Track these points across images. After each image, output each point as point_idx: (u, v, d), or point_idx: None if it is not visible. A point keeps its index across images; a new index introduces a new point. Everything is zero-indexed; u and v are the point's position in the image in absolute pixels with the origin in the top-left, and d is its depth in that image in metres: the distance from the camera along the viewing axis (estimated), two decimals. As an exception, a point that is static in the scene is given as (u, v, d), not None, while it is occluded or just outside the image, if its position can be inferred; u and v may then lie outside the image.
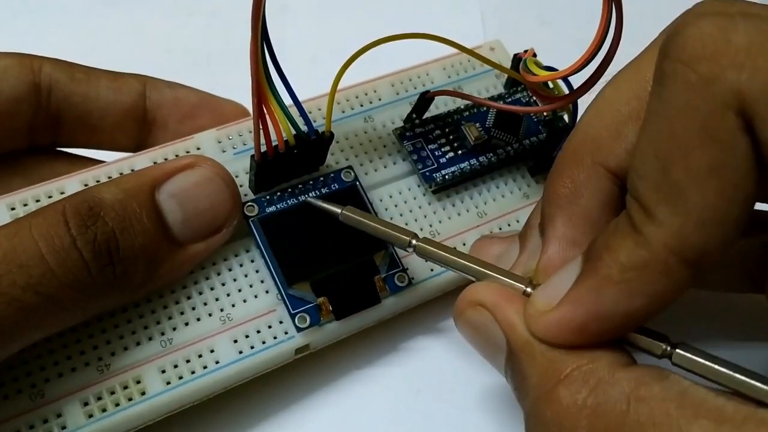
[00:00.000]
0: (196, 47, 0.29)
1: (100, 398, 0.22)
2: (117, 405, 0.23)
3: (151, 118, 0.27)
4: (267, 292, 0.25)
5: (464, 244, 0.27)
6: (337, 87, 0.25)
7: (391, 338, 0.27)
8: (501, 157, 0.28)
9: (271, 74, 0.23)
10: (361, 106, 0.28)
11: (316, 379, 0.27)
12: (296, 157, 0.25)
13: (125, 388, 0.23)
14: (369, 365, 0.27)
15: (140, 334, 0.23)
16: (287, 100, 0.24)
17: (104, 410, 0.22)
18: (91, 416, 0.22)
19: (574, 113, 0.26)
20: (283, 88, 0.24)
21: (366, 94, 0.29)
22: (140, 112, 0.27)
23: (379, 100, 0.29)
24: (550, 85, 0.27)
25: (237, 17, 0.25)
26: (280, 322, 0.24)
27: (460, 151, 0.28)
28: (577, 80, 0.24)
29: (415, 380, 0.27)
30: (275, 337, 0.24)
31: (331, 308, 0.24)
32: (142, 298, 0.23)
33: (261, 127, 0.24)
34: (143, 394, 0.23)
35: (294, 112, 0.24)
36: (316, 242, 0.25)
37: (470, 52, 0.26)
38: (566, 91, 0.25)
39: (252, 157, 0.25)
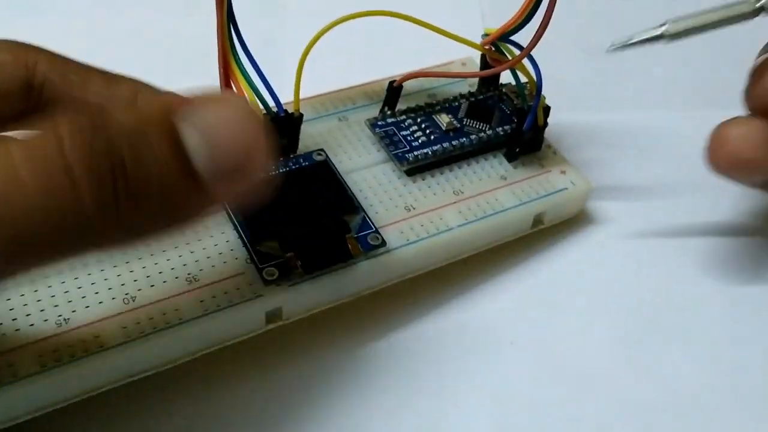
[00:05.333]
0: (195, 47, 0.30)
1: (55, 351, 0.21)
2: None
3: None
4: (236, 259, 0.24)
5: (441, 219, 0.26)
6: (303, 64, 0.26)
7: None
8: (474, 142, 0.28)
9: (238, 52, 0.25)
10: (335, 108, 0.29)
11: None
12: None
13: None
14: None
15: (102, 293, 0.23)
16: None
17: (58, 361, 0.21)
18: (44, 366, 0.21)
19: (538, 79, 0.27)
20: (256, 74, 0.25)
21: (340, 100, 0.30)
22: None
23: (353, 103, 0.29)
24: (508, 56, 0.27)
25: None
26: (250, 285, 0.23)
27: (432, 137, 0.28)
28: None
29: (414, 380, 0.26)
30: (243, 296, 0.23)
31: (299, 263, 0.23)
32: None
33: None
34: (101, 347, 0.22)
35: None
36: (287, 209, 0.25)
37: (444, 32, 0.27)
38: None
39: (221, 131, 0.25)
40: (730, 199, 0.31)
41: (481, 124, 0.29)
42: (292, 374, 0.25)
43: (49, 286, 0.23)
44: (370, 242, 0.25)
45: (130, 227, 0.18)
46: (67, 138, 0.17)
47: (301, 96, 0.26)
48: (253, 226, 0.24)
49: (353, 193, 0.26)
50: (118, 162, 0.17)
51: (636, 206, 0.31)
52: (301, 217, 0.25)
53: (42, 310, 0.22)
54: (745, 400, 0.26)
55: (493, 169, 0.28)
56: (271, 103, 0.25)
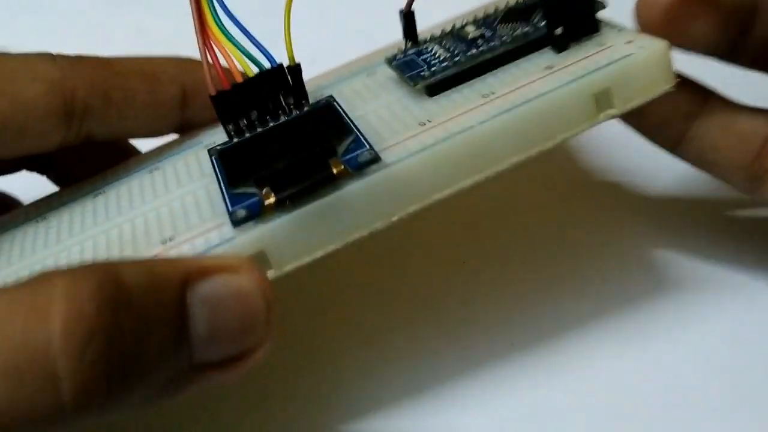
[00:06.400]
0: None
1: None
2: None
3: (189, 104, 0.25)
4: (215, 211, 0.21)
5: (462, 123, 0.21)
6: (290, 7, 0.24)
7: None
8: (507, 41, 0.23)
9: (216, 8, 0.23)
10: (362, 68, 0.26)
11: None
12: (262, 92, 0.23)
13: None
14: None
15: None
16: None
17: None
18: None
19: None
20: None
21: (368, 61, 0.26)
22: (178, 114, 0.25)
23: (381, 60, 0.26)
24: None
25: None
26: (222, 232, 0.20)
27: (456, 51, 0.23)
28: None
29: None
30: (208, 243, 0.20)
31: (273, 198, 0.20)
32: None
33: (209, 57, 0.23)
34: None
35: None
36: (271, 148, 0.21)
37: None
38: None
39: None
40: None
41: (518, 24, 0.23)
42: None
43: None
44: (360, 160, 0.20)
45: (115, 408, 0.16)
46: (59, 327, 0.15)
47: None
48: (230, 170, 0.21)
49: (351, 120, 0.22)
50: (123, 341, 0.16)
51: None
52: (283, 151, 0.21)
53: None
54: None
55: (535, 66, 0.22)
56: (263, 60, 0.23)
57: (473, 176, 0.21)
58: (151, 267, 0.17)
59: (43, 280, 0.16)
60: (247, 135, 0.23)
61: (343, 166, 0.20)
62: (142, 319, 0.16)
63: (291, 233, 0.20)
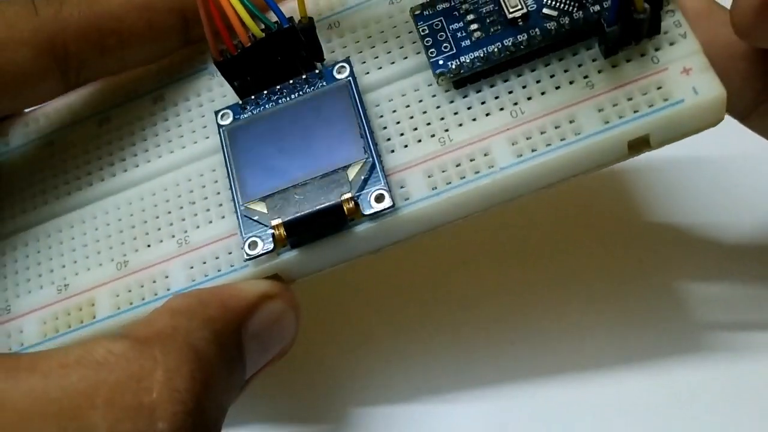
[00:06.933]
0: None
1: (56, 318, 0.22)
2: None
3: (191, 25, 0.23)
4: (223, 217, 0.21)
5: (486, 155, 0.20)
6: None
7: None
8: (552, 32, 0.20)
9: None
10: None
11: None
12: (272, 53, 0.21)
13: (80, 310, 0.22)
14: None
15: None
16: None
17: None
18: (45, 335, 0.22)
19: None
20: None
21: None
22: (181, 38, 0.23)
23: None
24: None
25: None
26: (241, 248, 0.21)
27: (492, 29, 0.20)
28: None
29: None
30: (231, 265, 0.21)
31: (284, 234, 0.20)
32: None
33: (211, 14, 0.20)
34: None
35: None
36: (283, 155, 0.21)
37: None
38: None
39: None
40: None
41: (571, 3, 0.20)
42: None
43: (50, 247, 0.22)
44: (373, 204, 0.20)
45: None
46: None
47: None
48: (244, 178, 0.21)
49: (368, 128, 0.20)
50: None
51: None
52: (295, 167, 0.20)
53: (39, 275, 0.22)
54: None
55: (578, 69, 0.20)
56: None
57: (489, 207, 0.20)
58: (214, 325, 0.18)
59: (145, 362, 0.17)
60: (255, 112, 0.21)
61: (354, 205, 0.20)
62: (218, 385, 0.18)
63: (300, 260, 0.20)
